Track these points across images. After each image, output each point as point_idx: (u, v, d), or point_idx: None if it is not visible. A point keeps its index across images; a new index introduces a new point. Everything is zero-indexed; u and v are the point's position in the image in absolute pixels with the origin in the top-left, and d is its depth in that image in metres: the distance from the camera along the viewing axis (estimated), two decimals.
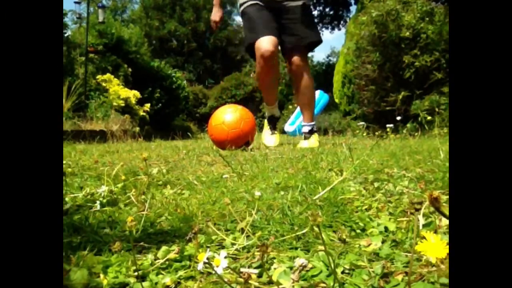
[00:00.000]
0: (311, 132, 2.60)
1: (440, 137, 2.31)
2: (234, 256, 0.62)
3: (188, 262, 0.59)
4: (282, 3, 2.41)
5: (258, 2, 2.39)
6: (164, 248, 0.62)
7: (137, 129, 5.45)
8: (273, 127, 2.75)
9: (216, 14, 2.64)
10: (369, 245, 0.63)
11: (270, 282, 0.50)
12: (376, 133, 3.18)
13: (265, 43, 2.27)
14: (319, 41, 2.51)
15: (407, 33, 4.28)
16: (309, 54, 14.01)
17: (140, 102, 6.66)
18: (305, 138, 2.60)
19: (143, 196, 1.02)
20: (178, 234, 0.71)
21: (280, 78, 13.38)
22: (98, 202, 0.91)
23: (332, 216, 0.77)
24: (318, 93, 8.23)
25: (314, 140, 2.53)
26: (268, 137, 2.73)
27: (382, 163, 1.36)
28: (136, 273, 0.53)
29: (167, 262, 0.58)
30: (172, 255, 0.60)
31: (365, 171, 1.22)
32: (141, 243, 0.66)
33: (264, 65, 2.32)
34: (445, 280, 0.46)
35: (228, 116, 2.34)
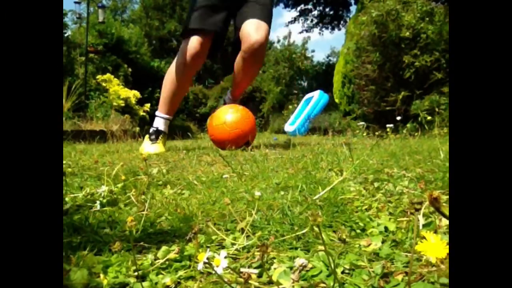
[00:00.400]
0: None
1: (440, 137, 2.31)
2: (234, 256, 0.62)
3: (188, 262, 0.59)
4: None
5: None
6: (164, 248, 0.63)
7: (137, 129, 5.45)
8: (155, 138, 2.32)
9: None
10: (369, 245, 0.63)
11: (270, 282, 0.50)
12: (376, 133, 3.18)
13: (195, 41, 2.02)
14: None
15: (407, 33, 4.28)
16: (309, 54, 14.04)
17: (140, 102, 6.66)
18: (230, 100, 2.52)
19: (143, 196, 1.02)
20: (178, 234, 0.71)
21: (280, 79, 13.43)
22: (98, 202, 0.91)
23: (332, 216, 0.77)
24: (318, 93, 8.23)
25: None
26: (148, 146, 2.30)
27: (382, 163, 1.36)
28: (136, 273, 0.53)
29: (167, 262, 0.58)
30: (172, 255, 0.60)
31: (365, 171, 1.22)
32: (141, 243, 0.67)
33: (186, 62, 2.08)
34: (445, 280, 0.46)
35: (230, 116, 2.33)
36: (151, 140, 2.30)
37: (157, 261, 0.59)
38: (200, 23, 2.01)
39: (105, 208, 0.90)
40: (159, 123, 2.35)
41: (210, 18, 2.04)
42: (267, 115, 12.06)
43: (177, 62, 2.15)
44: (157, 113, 2.38)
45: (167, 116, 2.35)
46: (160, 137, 2.31)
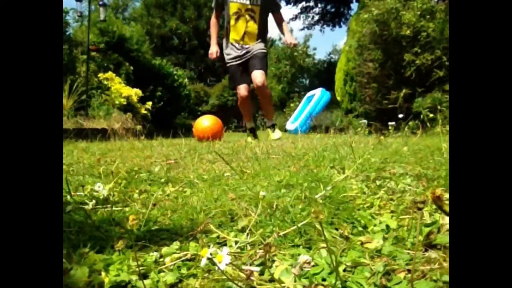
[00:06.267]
0: (273, 126, 3.75)
1: (442, 135, 2.30)
2: (236, 253, 0.62)
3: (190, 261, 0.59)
4: (252, 53, 3.61)
5: (236, 60, 3.63)
6: (166, 246, 0.62)
7: (139, 127, 5.45)
8: (254, 136, 3.82)
9: (213, 50, 3.70)
10: (370, 242, 0.63)
11: (272, 279, 0.50)
12: (378, 131, 3.17)
13: (242, 90, 3.60)
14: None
15: (408, 31, 4.27)
16: (311, 52, 14.07)
17: (142, 100, 6.66)
18: (274, 131, 3.68)
19: (144, 194, 1.02)
20: (180, 232, 0.71)
21: (282, 77, 13.48)
22: (99, 200, 0.91)
23: (334, 214, 0.77)
24: (319, 91, 8.21)
25: (279, 133, 3.68)
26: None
27: (384, 161, 1.36)
28: (138, 271, 0.53)
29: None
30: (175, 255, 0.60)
31: (367, 169, 1.21)
32: (143, 241, 0.66)
33: (241, 101, 3.68)
34: (448, 278, 0.46)
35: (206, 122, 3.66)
36: (251, 137, 3.72)
37: (160, 259, 0.59)
38: (242, 81, 3.63)
39: (106, 206, 0.90)
40: (248, 124, 3.91)
41: (244, 76, 3.64)
42: None
43: (238, 103, 3.78)
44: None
45: (248, 122, 3.91)
46: (256, 133, 3.93)
